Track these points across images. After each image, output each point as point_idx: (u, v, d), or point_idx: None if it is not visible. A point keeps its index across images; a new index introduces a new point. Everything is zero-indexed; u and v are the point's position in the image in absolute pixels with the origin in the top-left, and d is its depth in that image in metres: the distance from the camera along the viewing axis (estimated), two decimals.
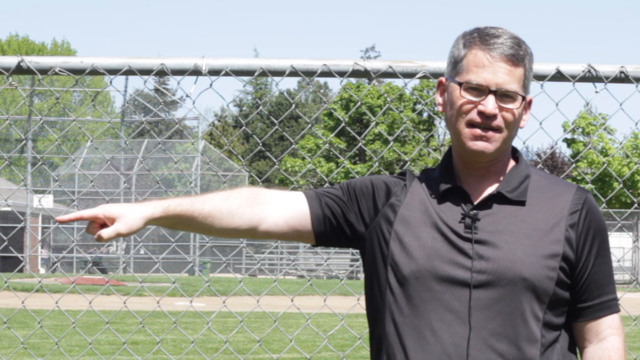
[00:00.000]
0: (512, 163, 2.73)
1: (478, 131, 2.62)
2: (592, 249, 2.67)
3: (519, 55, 2.63)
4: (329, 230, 2.77)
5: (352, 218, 2.76)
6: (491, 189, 2.68)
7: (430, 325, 2.60)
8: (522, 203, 2.65)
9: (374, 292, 2.72)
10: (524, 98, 2.65)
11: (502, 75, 2.61)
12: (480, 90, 2.62)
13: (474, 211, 2.64)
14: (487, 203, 2.65)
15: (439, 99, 2.74)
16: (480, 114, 2.61)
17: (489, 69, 2.61)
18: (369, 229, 2.74)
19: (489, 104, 2.60)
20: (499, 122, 2.62)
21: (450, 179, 2.70)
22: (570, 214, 2.65)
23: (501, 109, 2.62)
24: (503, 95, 2.62)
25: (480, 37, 2.65)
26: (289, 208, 2.76)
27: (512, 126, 2.64)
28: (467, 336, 2.57)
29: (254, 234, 2.74)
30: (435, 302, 2.60)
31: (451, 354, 2.57)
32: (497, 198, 2.66)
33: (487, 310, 2.57)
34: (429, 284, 2.61)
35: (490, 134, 2.62)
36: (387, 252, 2.67)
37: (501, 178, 2.69)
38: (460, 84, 2.64)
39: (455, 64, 2.67)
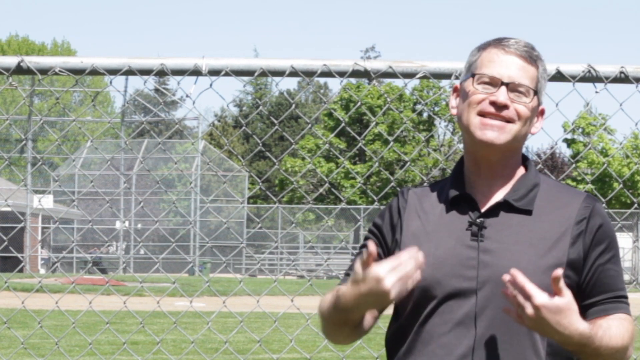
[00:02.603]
0: (522, 171, 2.72)
1: (488, 120, 2.62)
2: (602, 255, 2.65)
3: (532, 54, 2.66)
4: None
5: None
6: (499, 197, 2.67)
7: (439, 338, 2.60)
8: (528, 212, 2.65)
9: (394, 316, 2.75)
10: (536, 93, 2.66)
11: (515, 69, 2.64)
12: (493, 84, 2.63)
13: (481, 219, 2.64)
14: (494, 211, 2.65)
15: (453, 102, 2.75)
16: (492, 104, 2.62)
17: (503, 63, 2.64)
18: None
19: (501, 95, 2.62)
20: (510, 113, 2.62)
21: (459, 187, 2.70)
22: (577, 222, 2.64)
23: (513, 101, 2.63)
24: (515, 90, 2.63)
25: (494, 40, 2.70)
26: None
27: (523, 121, 2.64)
28: (472, 346, 2.57)
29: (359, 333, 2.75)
30: (443, 314, 2.60)
31: None
32: (505, 206, 2.65)
33: (492, 320, 2.57)
34: (435, 296, 2.61)
35: (501, 124, 2.62)
36: None
37: (510, 185, 2.69)
38: (474, 76, 2.66)
39: (470, 66, 2.71)
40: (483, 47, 2.70)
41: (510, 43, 2.66)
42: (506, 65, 2.64)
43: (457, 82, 2.78)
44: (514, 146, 2.66)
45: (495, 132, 2.61)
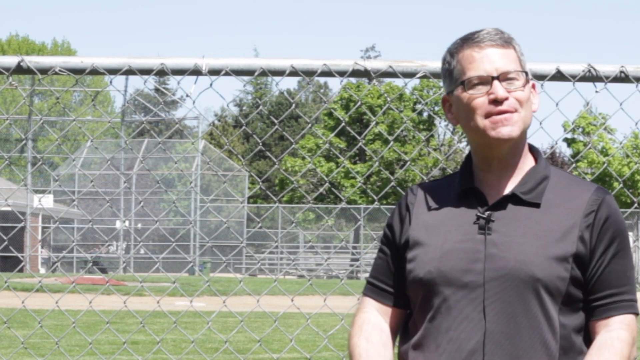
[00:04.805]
0: (532, 163, 2.71)
1: (497, 117, 2.61)
2: (607, 250, 2.62)
3: (505, 37, 2.66)
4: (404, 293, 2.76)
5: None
6: (507, 190, 2.66)
7: (447, 332, 2.59)
8: (537, 205, 2.63)
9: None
10: (526, 74, 2.65)
11: (498, 59, 2.63)
12: (484, 82, 2.62)
13: (488, 212, 2.63)
14: (502, 204, 2.64)
15: (449, 115, 2.74)
16: (493, 102, 2.61)
17: (484, 59, 2.63)
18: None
19: (498, 90, 2.61)
20: (512, 103, 2.62)
21: (467, 181, 2.69)
22: (586, 215, 2.62)
23: (509, 91, 2.62)
24: (506, 79, 2.63)
25: (462, 40, 2.68)
26: (383, 319, 2.77)
27: (526, 105, 2.64)
28: (482, 341, 2.56)
29: None
30: (451, 309, 2.60)
31: None
32: (513, 199, 2.64)
33: (501, 313, 2.56)
34: (442, 290, 2.61)
35: (509, 116, 2.61)
36: (406, 274, 2.68)
37: (519, 177, 2.67)
38: (463, 84, 2.64)
39: (450, 75, 2.69)
40: (455, 51, 2.68)
41: (482, 37, 2.64)
42: (488, 60, 2.63)
43: (444, 95, 2.75)
44: (524, 131, 2.66)
45: (507, 127, 2.61)
